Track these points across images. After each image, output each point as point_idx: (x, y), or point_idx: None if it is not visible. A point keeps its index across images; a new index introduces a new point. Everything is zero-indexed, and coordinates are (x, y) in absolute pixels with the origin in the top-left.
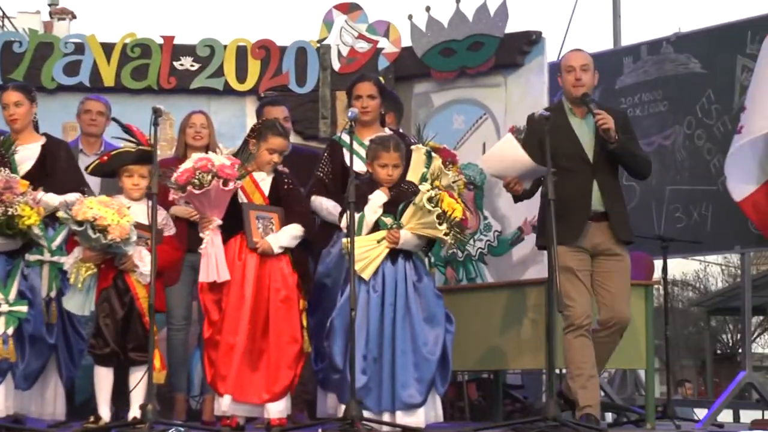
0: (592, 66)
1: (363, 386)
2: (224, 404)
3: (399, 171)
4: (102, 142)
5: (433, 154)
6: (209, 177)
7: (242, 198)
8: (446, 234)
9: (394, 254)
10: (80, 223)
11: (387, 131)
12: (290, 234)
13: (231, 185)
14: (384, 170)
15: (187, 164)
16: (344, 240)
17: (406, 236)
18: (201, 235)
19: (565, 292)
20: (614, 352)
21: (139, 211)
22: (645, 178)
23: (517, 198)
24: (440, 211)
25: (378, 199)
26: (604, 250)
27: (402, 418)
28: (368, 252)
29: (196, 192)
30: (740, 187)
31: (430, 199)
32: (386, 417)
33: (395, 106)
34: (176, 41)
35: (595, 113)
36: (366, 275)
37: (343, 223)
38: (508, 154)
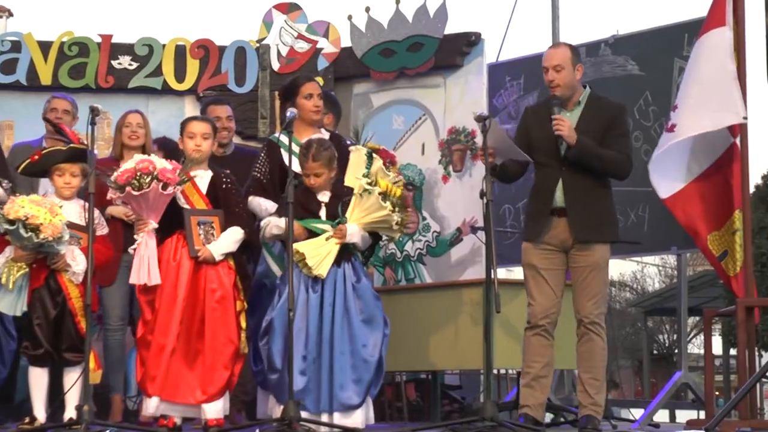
0: (570, 62)
1: (302, 387)
2: (152, 406)
3: (322, 178)
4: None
5: (374, 155)
6: (149, 179)
7: (182, 200)
8: (392, 211)
9: (336, 255)
10: (12, 222)
11: (324, 132)
12: (231, 239)
13: (170, 189)
14: (306, 179)
15: (128, 164)
16: (295, 245)
17: (353, 229)
18: (135, 236)
19: (527, 290)
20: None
21: (72, 211)
22: (620, 178)
23: (495, 175)
24: (380, 189)
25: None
26: (570, 247)
27: (339, 419)
28: (319, 250)
29: (135, 193)
30: (667, 184)
31: (368, 184)
32: (324, 418)
33: (334, 107)
34: (114, 40)
35: (552, 118)
36: (322, 272)
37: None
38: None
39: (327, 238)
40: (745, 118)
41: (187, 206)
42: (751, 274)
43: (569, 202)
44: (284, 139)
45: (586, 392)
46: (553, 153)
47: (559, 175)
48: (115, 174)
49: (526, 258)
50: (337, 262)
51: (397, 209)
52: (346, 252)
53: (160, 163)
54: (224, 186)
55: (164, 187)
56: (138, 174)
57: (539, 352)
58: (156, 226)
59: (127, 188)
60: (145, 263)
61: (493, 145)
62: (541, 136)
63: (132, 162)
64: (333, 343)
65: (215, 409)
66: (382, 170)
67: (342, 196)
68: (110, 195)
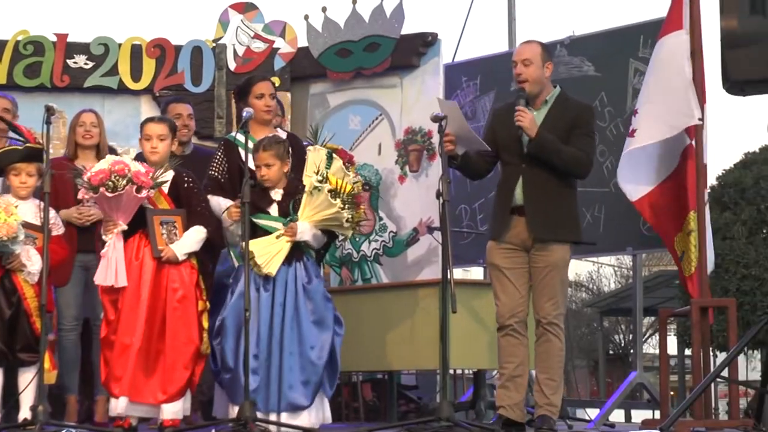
0: (539, 58)
1: (254, 387)
2: (120, 406)
3: (273, 170)
4: (7, 140)
5: (334, 155)
6: (124, 182)
7: (145, 201)
8: (342, 208)
9: (287, 255)
10: None
11: (280, 132)
12: (194, 239)
13: (144, 193)
14: (258, 171)
15: (102, 165)
16: (242, 243)
17: (304, 227)
18: (104, 237)
19: (493, 291)
20: None
21: (27, 210)
22: (579, 177)
23: (457, 166)
24: (330, 187)
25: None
26: (530, 246)
27: (287, 419)
28: (269, 248)
29: (108, 195)
30: (635, 187)
31: (319, 182)
32: (273, 418)
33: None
34: (70, 39)
35: (515, 109)
36: (272, 270)
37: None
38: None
39: (278, 236)
40: (700, 119)
41: (149, 206)
42: (706, 275)
43: (528, 200)
44: (241, 138)
45: (542, 392)
46: (517, 151)
47: (520, 173)
48: (89, 174)
49: (489, 258)
50: (289, 261)
51: (347, 206)
52: (298, 251)
53: (134, 165)
54: (186, 185)
55: (138, 190)
56: (113, 176)
57: (511, 352)
58: (125, 227)
59: (101, 189)
60: (113, 265)
61: (455, 132)
62: (507, 135)
63: (106, 163)
64: (282, 344)
65: (173, 410)
66: (342, 170)
67: (295, 194)
68: (81, 195)
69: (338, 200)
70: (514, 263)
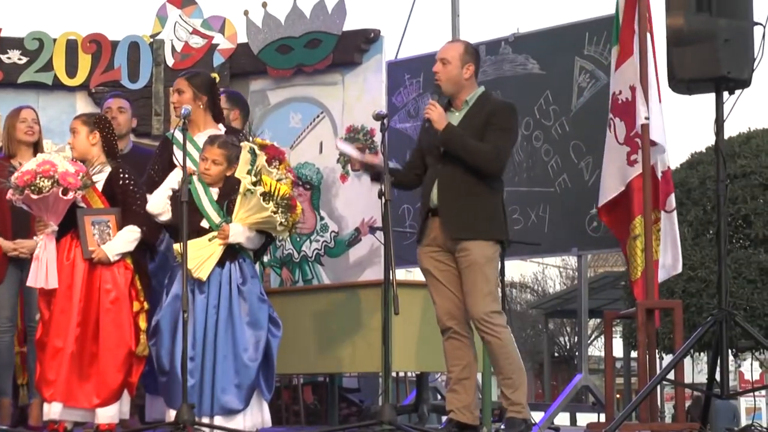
0: (458, 59)
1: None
2: (53, 411)
3: (218, 170)
4: None
5: (258, 150)
6: (49, 183)
7: (78, 199)
8: (275, 212)
9: (221, 256)
10: None
11: (221, 128)
12: (126, 239)
13: (71, 195)
14: (202, 163)
15: (30, 165)
16: (175, 245)
17: (237, 229)
18: (35, 238)
19: (430, 295)
20: None
21: None
22: (489, 172)
23: (376, 180)
24: (263, 190)
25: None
26: (451, 247)
27: (221, 423)
28: (201, 251)
29: (34, 197)
30: (602, 194)
31: (252, 184)
32: (205, 421)
33: (239, 104)
34: (3, 34)
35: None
36: (203, 275)
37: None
38: None
39: (210, 239)
40: (647, 118)
41: (83, 205)
42: (652, 277)
43: (442, 201)
44: (178, 135)
45: (503, 394)
46: (435, 152)
47: (437, 175)
48: (16, 175)
49: (419, 262)
50: (222, 262)
51: (280, 210)
52: (232, 252)
53: (62, 165)
54: (121, 182)
55: (64, 192)
56: (38, 177)
57: (455, 355)
58: (56, 228)
59: (26, 191)
60: (43, 266)
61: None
62: (427, 138)
63: (33, 163)
64: (216, 346)
65: (107, 414)
66: (265, 167)
67: (230, 194)
68: (9, 196)
69: (271, 203)
70: (442, 265)
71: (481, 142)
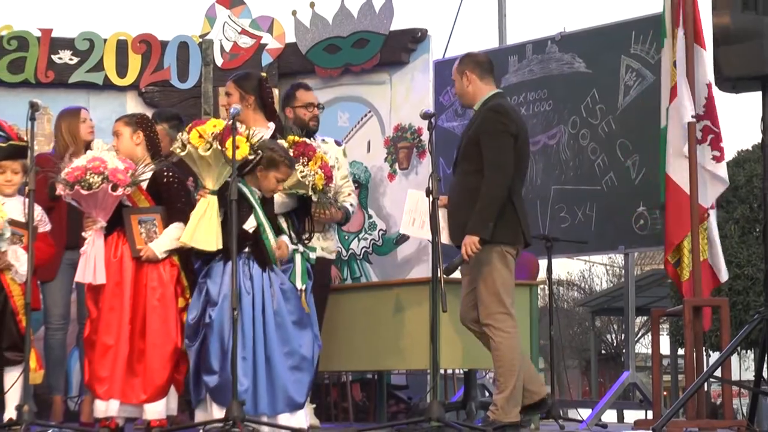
0: (456, 73)
1: (244, 389)
2: (111, 408)
3: (280, 186)
4: None
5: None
6: (99, 179)
7: (123, 197)
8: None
9: (262, 260)
10: None
11: (270, 127)
12: (172, 236)
13: (120, 191)
14: (278, 185)
15: (80, 161)
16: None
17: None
18: (84, 234)
19: None
20: None
21: (13, 208)
22: (506, 182)
23: None
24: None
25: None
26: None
27: (285, 420)
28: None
29: (84, 192)
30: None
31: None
32: (265, 420)
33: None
34: (54, 34)
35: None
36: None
37: None
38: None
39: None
40: (693, 117)
41: (128, 204)
42: (699, 276)
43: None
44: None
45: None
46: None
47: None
48: (66, 171)
49: None
50: (264, 266)
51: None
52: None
53: (112, 162)
54: (165, 180)
55: (114, 188)
56: (88, 173)
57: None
58: (104, 224)
59: (76, 187)
60: (91, 262)
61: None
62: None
63: (83, 159)
64: (269, 345)
65: (156, 410)
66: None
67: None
68: (59, 191)
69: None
70: (465, 269)
71: (481, 184)
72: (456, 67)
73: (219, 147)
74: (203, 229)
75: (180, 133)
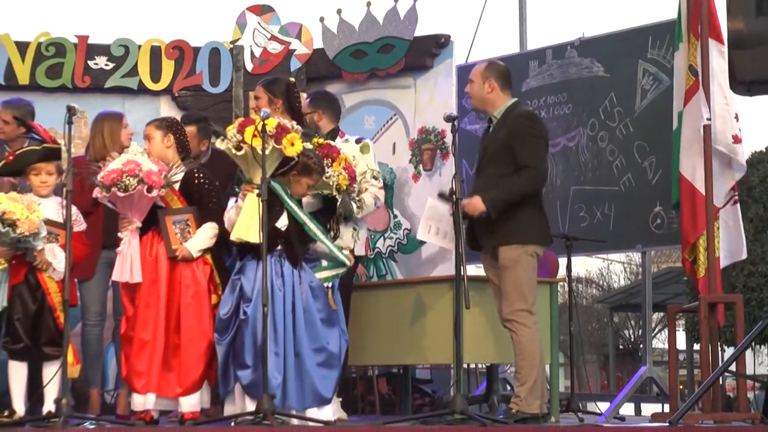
0: (480, 77)
1: (277, 383)
2: (149, 402)
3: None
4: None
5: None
6: (134, 181)
7: (158, 201)
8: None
9: (293, 258)
10: None
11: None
12: (206, 235)
13: (155, 192)
14: (308, 190)
15: (116, 164)
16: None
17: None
18: (120, 234)
19: None
20: None
21: (49, 208)
22: (539, 188)
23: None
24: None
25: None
26: (492, 252)
27: (314, 413)
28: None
29: (120, 194)
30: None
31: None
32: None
33: (321, 104)
34: (91, 41)
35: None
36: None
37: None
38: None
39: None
40: (708, 119)
41: (162, 205)
42: (714, 273)
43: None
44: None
45: (517, 384)
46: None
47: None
48: (102, 174)
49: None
50: (295, 262)
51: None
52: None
53: (146, 164)
54: (196, 181)
55: (149, 190)
56: (124, 176)
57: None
58: (140, 225)
59: (113, 189)
60: (128, 261)
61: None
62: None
63: (119, 162)
64: (299, 341)
65: (190, 403)
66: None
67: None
68: (96, 194)
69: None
70: (492, 269)
71: (514, 179)
72: (480, 71)
73: (276, 145)
74: (256, 224)
75: (229, 134)
